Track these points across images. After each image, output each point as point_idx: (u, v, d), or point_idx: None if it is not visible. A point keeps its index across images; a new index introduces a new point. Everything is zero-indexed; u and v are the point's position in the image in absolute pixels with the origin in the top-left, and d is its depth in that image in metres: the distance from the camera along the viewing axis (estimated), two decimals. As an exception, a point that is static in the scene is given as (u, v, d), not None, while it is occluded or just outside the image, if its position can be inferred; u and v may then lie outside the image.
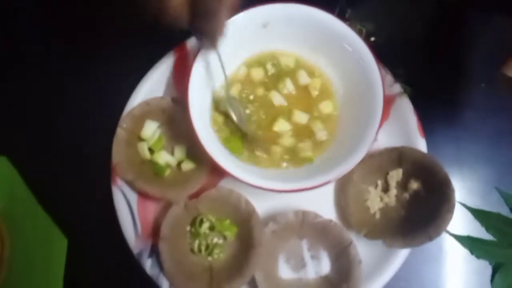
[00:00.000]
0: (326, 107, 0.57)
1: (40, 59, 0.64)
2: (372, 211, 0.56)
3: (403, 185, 0.56)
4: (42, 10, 0.66)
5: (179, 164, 0.56)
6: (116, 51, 0.63)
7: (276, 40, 0.57)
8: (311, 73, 0.58)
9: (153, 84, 0.57)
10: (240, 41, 0.55)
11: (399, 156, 0.55)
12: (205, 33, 0.46)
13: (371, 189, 0.57)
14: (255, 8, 0.53)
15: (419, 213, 0.54)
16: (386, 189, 0.57)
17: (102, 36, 0.64)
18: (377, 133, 0.51)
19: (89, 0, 0.66)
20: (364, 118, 0.52)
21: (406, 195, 0.56)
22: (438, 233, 0.51)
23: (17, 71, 0.63)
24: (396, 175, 0.56)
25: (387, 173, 0.57)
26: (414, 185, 0.55)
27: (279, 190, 0.50)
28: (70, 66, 0.63)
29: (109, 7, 0.65)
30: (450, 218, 0.51)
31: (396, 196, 0.56)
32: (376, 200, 0.56)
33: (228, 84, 0.55)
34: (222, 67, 0.52)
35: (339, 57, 0.55)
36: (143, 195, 0.54)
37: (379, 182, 0.57)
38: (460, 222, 0.59)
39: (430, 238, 0.51)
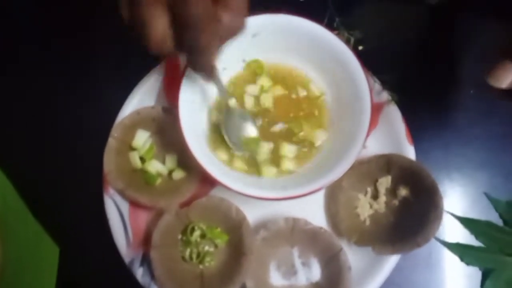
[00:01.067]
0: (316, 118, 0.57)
1: (31, 71, 0.64)
2: (362, 218, 0.56)
3: (392, 192, 0.57)
4: (40, 19, 0.67)
5: (170, 173, 0.57)
6: (107, 61, 0.64)
7: (265, 50, 0.57)
8: (300, 83, 0.58)
9: (144, 94, 0.58)
10: (230, 51, 0.55)
11: (388, 163, 0.56)
12: (195, 68, 0.43)
13: (361, 196, 0.57)
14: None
15: (408, 220, 0.55)
16: (375, 196, 0.57)
17: (95, 46, 0.65)
18: (365, 141, 0.51)
19: (81, 9, 0.66)
20: (352, 126, 0.53)
21: (396, 202, 0.56)
22: (426, 240, 0.51)
23: (8, 84, 0.64)
24: (385, 182, 0.57)
25: (377, 180, 0.57)
26: (403, 191, 0.56)
27: (269, 198, 0.50)
28: (62, 77, 0.64)
29: (101, 18, 0.66)
30: (439, 224, 0.52)
31: (386, 202, 0.57)
32: (366, 207, 0.57)
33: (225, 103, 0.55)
34: (223, 91, 0.52)
35: (327, 66, 0.56)
36: (134, 204, 0.55)
37: (369, 189, 0.58)
38: (450, 228, 0.59)
39: (419, 245, 0.51)
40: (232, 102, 0.56)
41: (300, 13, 0.54)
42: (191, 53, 0.40)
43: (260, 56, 0.58)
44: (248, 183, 0.52)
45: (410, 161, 0.56)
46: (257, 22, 0.54)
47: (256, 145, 0.55)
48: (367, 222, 0.56)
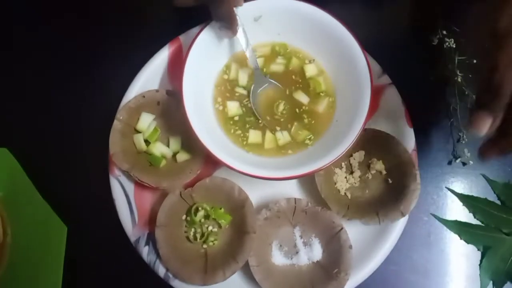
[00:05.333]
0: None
1: (39, 53, 0.65)
2: (342, 192, 0.58)
3: (367, 166, 0.59)
4: (45, 12, 0.68)
5: (174, 155, 0.58)
6: (114, 47, 0.65)
7: (267, 32, 0.58)
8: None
9: (149, 78, 0.59)
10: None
11: (363, 138, 0.57)
12: (217, 18, 0.44)
13: (337, 170, 0.59)
14: (247, 3, 0.55)
15: (388, 192, 0.57)
16: (351, 171, 0.59)
17: (101, 32, 0.66)
18: (365, 124, 0.52)
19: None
20: (353, 108, 0.54)
21: (369, 175, 0.59)
22: (408, 209, 0.55)
23: (16, 65, 0.65)
24: (358, 156, 0.59)
25: (351, 155, 0.59)
26: (377, 165, 0.58)
27: (273, 178, 0.51)
28: (68, 61, 0.65)
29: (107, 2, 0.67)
30: (418, 194, 0.55)
31: (360, 176, 0.59)
32: (343, 182, 0.59)
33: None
34: (247, 41, 0.54)
35: (327, 48, 0.57)
36: (139, 185, 0.56)
37: (343, 164, 0.59)
38: (449, 208, 0.61)
39: (402, 214, 0.54)
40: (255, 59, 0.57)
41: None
42: (211, 2, 0.41)
43: (263, 39, 0.59)
44: (251, 163, 0.53)
45: (386, 136, 0.58)
46: (258, 6, 0.55)
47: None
48: (349, 196, 0.58)
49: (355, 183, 0.59)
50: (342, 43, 0.55)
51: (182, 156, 0.58)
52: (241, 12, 0.54)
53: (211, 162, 0.57)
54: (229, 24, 0.45)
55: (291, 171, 0.51)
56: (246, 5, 0.55)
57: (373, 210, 0.55)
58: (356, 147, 0.58)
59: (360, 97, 0.53)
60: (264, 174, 0.51)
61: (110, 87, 0.59)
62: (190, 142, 0.56)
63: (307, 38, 0.58)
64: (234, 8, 0.50)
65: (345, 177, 0.59)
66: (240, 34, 0.53)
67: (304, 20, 0.56)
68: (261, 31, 0.57)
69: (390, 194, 0.57)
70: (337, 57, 0.57)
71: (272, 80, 0.58)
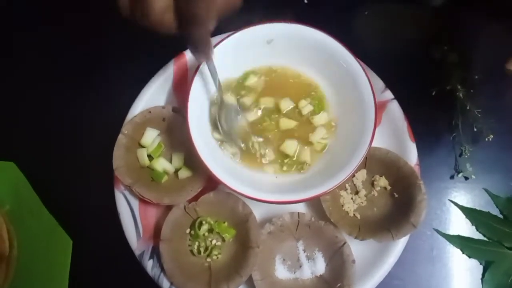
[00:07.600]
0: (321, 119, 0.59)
1: (44, 67, 0.67)
2: (350, 214, 0.58)
3: (371, 184, 0.60)
4: (46, 19, 0.69)
5: (176, 171, 0.58)
6: (119, 60, 0.66)
7: (278, 55, 0.59)
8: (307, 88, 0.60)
9: (154, 93, 0.60)
10: (246, 54, 0.58)
11: (364, 158, 0.57)
12: (193, 42, 0.43)
13: (343, 193, 0.59)
14: (261, 25, 0.56)
15: (396, 207, 0.58)
16: (356, 191, 0.59)
17: (106, 44, 0.67)
18: (371, 144, 0.52)
19: (93, 9, 0.69)
20: (357, 131, 0.54)
21: (375, 193, 0.59)
22: (418, 221, 0.55)
23: (21, 80, 0.66)
24: (360, 175, 0.59)
25: (353, 176, 0.59)
26: (380, 182, 0.59)
27: (273, 202, 0.51)
28: (76, 74, 0.66)
29: (115, 16, 0.67)
30: (425, 205, 0.55)
31: (366, 195, 0.59)
32: (351, 203, 0.59)
33: (222, 92, 0.56)
34: (214, 77, 0.53)
35: (333, 72, 0.58)
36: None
37: (347, 186, 0.60)
38: (451, 223, 0.61)
39: (414, 226, 0.54)
40: (227, 96, 0.58)
41: (310, 23, 0.56)
42: (189, 25, 0.40)
43: (273, 61, 0.60)
44: (255, 186, 0.53)
45: (386, 152, 0.58)
46: (272, 29, 0.56)
47: (248, 138, 0.57)
48: (358, 216, 0.58)
49: (362, 203, 0.59)
50: (347, 68, 0.56)
51: (184, 173, 0.58)
52: (255, 33, 0.56)
53: (214, 180, 0.57)
54: (204, 48, 0.44)
55: (295, 194, 0.52)
56: (260, 27, 0.56)
57: (384, 227, 0.55)
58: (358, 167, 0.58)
59: (364, 121, 0.54)
60: (267, 197, 0.51)
61: (117, 100, 0.60)
62: (193, 160, 0.56)
63: (314, 61, 0.59)
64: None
65: (351, 198, 0.59)
66: (211, 65, 0.51)
67: (311, 43, 0.57)
68: (272, 54, 0.59)
69: (398, 208, 0.57)
70: (341, 81, 0.57)
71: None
